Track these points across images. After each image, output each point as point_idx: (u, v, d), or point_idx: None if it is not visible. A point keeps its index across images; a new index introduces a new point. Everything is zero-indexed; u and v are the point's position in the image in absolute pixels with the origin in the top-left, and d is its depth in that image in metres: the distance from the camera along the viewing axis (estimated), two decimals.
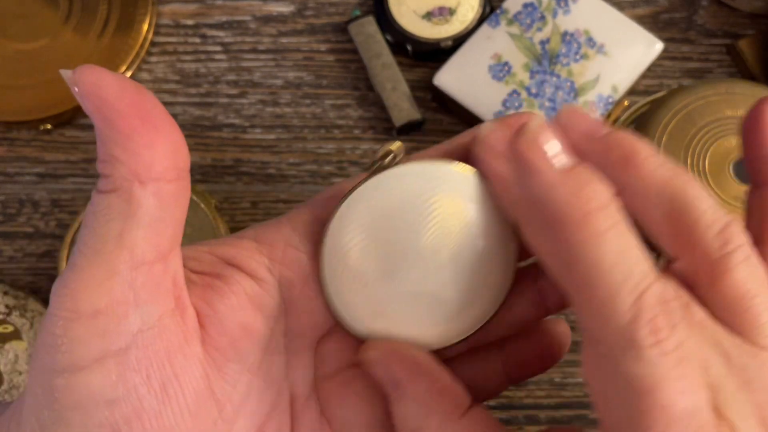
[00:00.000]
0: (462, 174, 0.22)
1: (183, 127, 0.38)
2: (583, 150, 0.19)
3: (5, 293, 0.34)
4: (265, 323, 0.21)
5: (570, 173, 0.18)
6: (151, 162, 0.18)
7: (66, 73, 0.17)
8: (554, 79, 0.36)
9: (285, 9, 0.40)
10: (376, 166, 0.22)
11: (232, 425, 0.20)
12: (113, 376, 0.18)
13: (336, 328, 0.23)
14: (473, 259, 0.22)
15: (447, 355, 0.23)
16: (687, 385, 0.16)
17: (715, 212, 0.18)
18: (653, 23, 0.40)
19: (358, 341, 0.23)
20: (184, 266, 0.20)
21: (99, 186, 0.18)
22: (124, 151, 0.18)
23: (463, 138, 0.22)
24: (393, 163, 0.22)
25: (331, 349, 0.24)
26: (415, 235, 0.22)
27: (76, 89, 0.17)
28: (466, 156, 0.22)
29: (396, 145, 0.22)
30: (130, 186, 0.18)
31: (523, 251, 0.21)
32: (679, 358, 0.16)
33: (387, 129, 0.39)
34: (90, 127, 0.38)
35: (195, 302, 0.20)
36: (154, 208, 0.18)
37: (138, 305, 0.18)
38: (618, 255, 0.17)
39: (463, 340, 0.23)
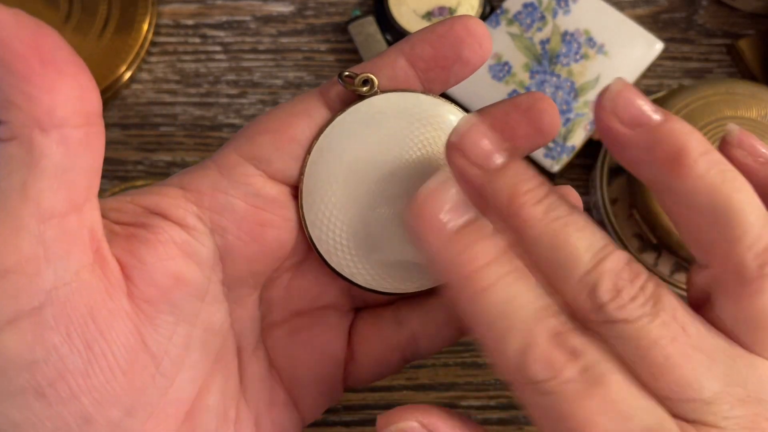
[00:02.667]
0: (444, 108, 0.22)
1: (183, 127, 0.38)
2: (628, 139, 0.18)
3: None
4: (199, 272, 0.20)
5: (456, 236, 0.18)
6: (52, 107, 0.16)
7: None
8: (554, 79, 0.36)
9: (285, 9, 0.40)
10: (353, 90, 0.21)
11: (172, 379, 0.20)
12: (29, 337, 0.17)
13: (281, 274, 0.23)
14: None
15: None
16: (603, 405, 0.16)
17: (761, 228, 0.17)
18: (653, 23, 0.40)
19: (306, 288, 0.23)
20: (105, 217, 0.19)
21: None
22: (21, 95, 0.16)
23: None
24: (371, 92, 0.21)
25: (278, 296, 0.23)
26: (397, 170, 0.21)
27: None
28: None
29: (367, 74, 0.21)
30: (30, 133, 0.16)
31: None
32: (589, 382, 0.16)
33: None
34: None
35: (119, 254, 0.19)
36: (60, 157, 0.17)
37: (50, 260, 0.17)
38: (503, 305, 0.17)
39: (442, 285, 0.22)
